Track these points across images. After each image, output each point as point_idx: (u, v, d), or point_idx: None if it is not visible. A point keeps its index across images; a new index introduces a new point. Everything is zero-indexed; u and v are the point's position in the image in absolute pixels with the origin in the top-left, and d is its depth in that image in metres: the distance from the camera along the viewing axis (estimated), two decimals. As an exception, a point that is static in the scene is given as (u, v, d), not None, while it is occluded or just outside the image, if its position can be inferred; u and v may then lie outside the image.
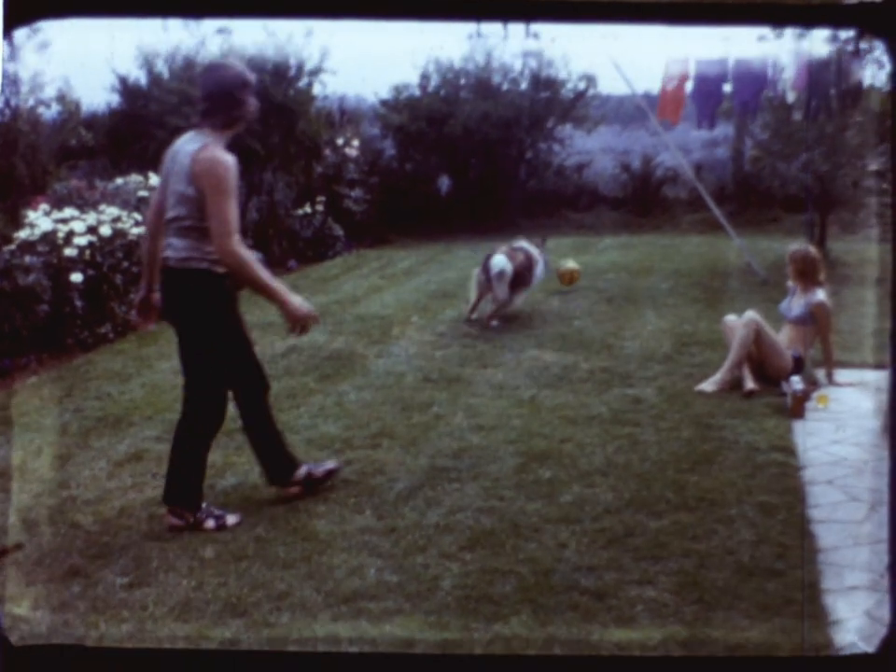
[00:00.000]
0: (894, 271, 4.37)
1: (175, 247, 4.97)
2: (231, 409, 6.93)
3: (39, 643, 4.21)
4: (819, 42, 11.49)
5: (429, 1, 4.07)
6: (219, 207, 4.79)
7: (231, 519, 5.11)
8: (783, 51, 11.60)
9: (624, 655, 4.06)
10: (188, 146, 4.95)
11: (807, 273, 7.60)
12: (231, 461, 5.94)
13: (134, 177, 11.40)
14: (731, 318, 7.67)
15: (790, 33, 12.13)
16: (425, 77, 17.86)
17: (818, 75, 10.74)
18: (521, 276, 9.58)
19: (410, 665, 4.01)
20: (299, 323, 5.01)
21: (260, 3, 4.22)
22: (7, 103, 11.94)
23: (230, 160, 4.88)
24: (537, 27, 17.00)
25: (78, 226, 9.03)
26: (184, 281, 4.98)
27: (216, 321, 5.04)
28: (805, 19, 4.24)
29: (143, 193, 10.65)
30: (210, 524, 5.05)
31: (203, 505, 5.10)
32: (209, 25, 14.05)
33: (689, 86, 11.94)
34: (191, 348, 5.11)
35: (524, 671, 4.04)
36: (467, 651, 3.99)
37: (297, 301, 5.00)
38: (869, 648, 4.07)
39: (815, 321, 7.49)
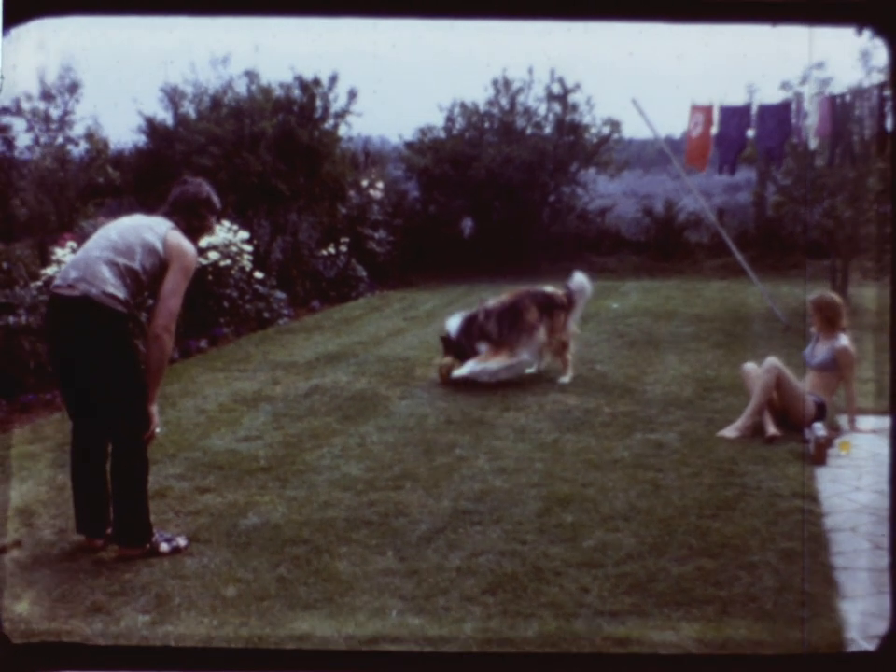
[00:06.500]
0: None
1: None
2: (255, 447, 6.96)
3: (39, 642, 4.22)
4: (843, 88, 11.58)
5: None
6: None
7: (182, 542, 5.31)
8: (807, 98, 11.67)
9: (625, 654, 4.06)
10: (158, 223, 5.29)
11: (830, 320, 7.59)
12: (255, 500, 5.96)
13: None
14: (750, 366, 7.67)
15: (814, 78, 12.23)
16: (450, 120, 18.03)
17: (841, 121, 10.77)
18: None
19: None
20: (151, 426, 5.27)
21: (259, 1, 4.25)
22: (36, 140, 12.10)
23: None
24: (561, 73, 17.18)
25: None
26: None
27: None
28: (806, 15, 4.27)
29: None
30: (164, 547, 5.23)
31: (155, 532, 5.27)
32: (236, 66, 14.24)
33: (713, 132, 11.99)
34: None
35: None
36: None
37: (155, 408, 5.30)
38: (870, 646, 4.08)
39: (838, 367, 7.47)
